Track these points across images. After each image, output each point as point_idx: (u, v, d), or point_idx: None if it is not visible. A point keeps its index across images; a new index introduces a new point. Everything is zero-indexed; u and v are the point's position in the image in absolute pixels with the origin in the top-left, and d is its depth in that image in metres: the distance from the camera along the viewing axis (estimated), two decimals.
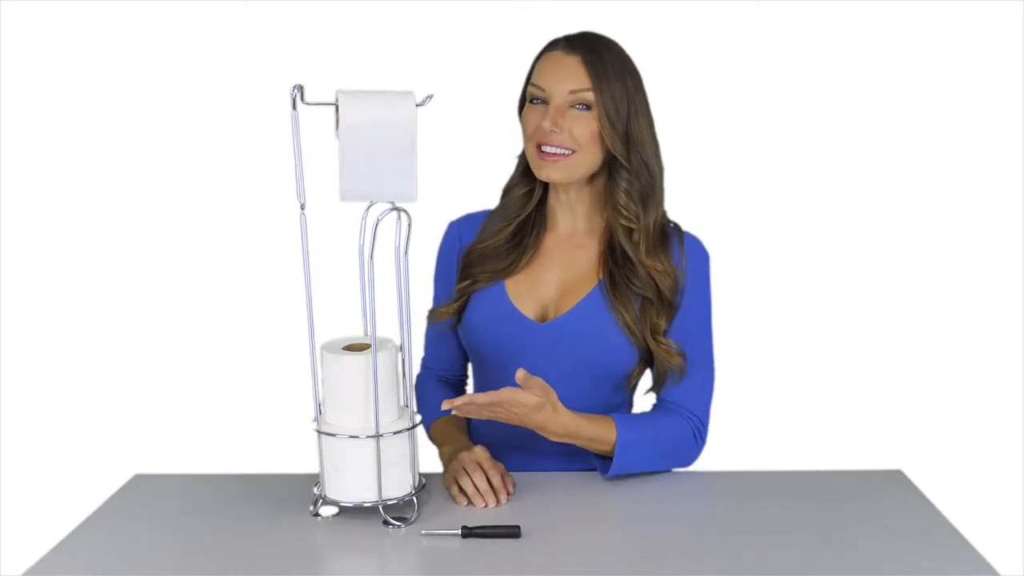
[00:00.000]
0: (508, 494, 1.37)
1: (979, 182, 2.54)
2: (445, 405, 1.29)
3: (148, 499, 1.40)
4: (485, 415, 1.33)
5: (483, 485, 1.35)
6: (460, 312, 1.53)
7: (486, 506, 1.34)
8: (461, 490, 1.36)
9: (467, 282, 1.51)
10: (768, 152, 2.57)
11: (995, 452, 2.42)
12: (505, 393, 1.31)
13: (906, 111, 2.53)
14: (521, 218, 1.51)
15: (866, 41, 2.52)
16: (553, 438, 1.39)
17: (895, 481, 1.45)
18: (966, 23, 2.47)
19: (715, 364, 1.51)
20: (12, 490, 2.35)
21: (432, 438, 1.57)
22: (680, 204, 1.53)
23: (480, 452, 1.40)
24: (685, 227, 1.51)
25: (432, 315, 1.58)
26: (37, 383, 2.51)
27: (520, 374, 1.32)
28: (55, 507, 1.83)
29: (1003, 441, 2.44)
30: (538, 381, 1.33)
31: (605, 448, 1.42)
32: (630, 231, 1.44)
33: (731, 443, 1.52)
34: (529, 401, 1.32)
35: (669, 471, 1.48)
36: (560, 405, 1.37)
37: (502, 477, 1.38)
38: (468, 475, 1.36)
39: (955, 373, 2.52)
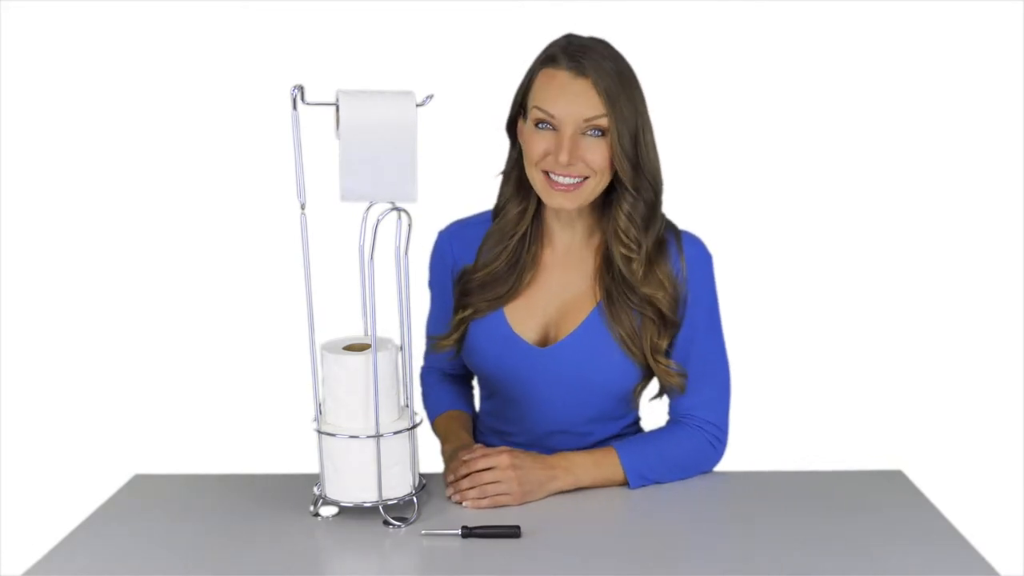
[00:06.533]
0: None
1: (979, 182, 2.54)
2: (454, 497, 1.36)
3: (148, 499, 1.40)
4: (490, 492, 1.34)
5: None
6: (460, 340, 1.51)
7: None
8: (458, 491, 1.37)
9: (467, 312, 1.48)
10: (767, 151, 2.56)
11: (995, 452, 2.42)
12: (494, 459, 1.34)
13: (906, 111, 2.53)
14: (517, 236, 1.46)
15: (866, 41, 2.52)
16: (565, 485, 1.39)
17: (895, 481, 1.45)
18: (966, 23, 2.47)
19: (729, 366, 1.49)
20: (12, 490, 2.35)
21: (436, 432, 1.58)
22: (680, 202, 1.52)
23: (478, 452, 1.40)
24: (685, 226, 1.48)
25: (433, 346, 1.55)
26: (37, 383, 2.51)
27: (472, 454, 1.37)
28: (55, 507, 1.82)
29: (1003, 441, 2.44)
30: (501, 449, 1.36)
31: (618, 476, 1.41)
32: (629, 259, 1.40)
33: (731, 443, 1.52)
34: (519, 461, 1.34)
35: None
36: (548, 458, 1.39)
37: None
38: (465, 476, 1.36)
39: (955, 373, 2.52)
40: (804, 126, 2.53)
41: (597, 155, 1.34)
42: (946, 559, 1.20)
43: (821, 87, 2.53)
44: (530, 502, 1.35)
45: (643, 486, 1.42)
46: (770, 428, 2.37)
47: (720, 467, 1.50)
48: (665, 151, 1.44)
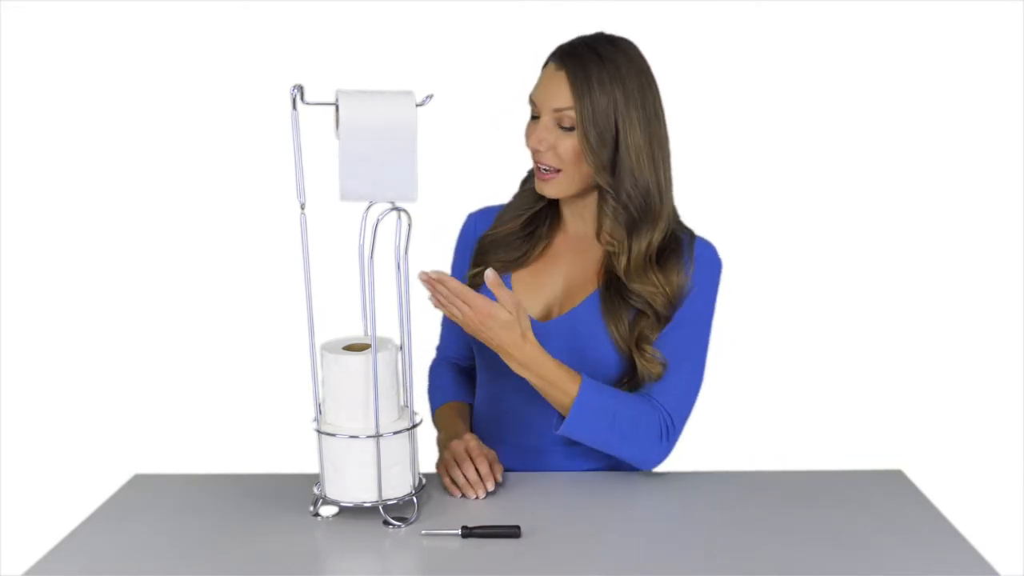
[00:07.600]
0: (495, 481, 1.37)
1: (979, 182, 2.55)
2: (421, 275, 1.27)
3: (148, 499, 1.40)
4: (451, 310, 1.29)
5: (472, 475, 1.36)
6: None
7: (476, 497, 1.35)
8: (453, 481, 1.38)
9: (479, 268, 1.51)
10: (768, 151, 2.57)
11: (995, 452, 2.42)
12: (480, 300, 1.28)
13: (907, 112, 2.53)
14: (535, 210, 1.51)
15: (868, 41, 2.52)
16: (514, 366, 1.34)
17: (895, 481, 1.45)
18: (966, 23, 2.47)
19: (703, 373, 1.45)
20: (12, 490, 2.35)
21: (435, 423, 1.59)
22: (684, 201, 1.52)
23: (470, 440, 1.41)
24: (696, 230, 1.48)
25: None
26: (37, 383, 2.51)
27: (491, 276, 1.27)
28: (55, 507, 1.83)
29: (1003, 441, 2.44)
30: (512, 297, 1.30)
31: (564, 401, 1.36)
32: (615, 254, 1.42)
33: (732, 443, 1.52)
34: (501, 316, 1.29)
35: (631, 467, 1.45)
36: (531, 334, 1.33)
37: (490, 465, 1.38)
38: (457, 466, 1.38)
39: (955, 373, 2.53)
40: (804, 128, 2.54)
41: (567, 148, 1.38)
42: (946, 559, 1.20)
43: (823, 89, 2.54)
44: (496, 346, 1.32)
45: (578, 430, 1.37)
46: (771, 428, 2.37)
47: (720, 467, 1.49)
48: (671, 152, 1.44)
